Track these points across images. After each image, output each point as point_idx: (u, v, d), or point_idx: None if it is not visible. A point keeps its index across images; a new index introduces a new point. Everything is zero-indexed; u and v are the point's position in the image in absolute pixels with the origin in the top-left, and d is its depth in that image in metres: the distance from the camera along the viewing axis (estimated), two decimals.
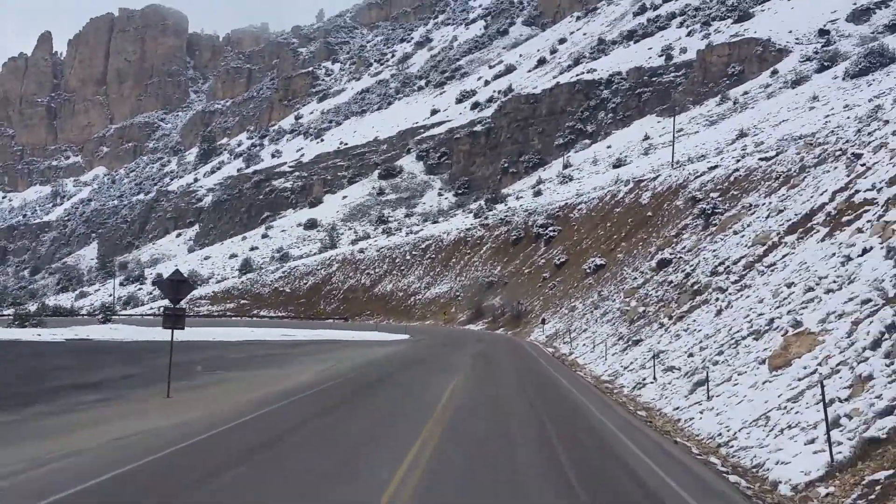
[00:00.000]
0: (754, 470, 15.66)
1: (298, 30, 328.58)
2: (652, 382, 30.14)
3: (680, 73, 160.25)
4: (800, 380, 19.28)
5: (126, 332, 66.95)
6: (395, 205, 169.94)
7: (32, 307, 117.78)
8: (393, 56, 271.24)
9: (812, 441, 15.51)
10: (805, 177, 49.14)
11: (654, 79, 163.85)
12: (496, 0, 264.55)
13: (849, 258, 26.46)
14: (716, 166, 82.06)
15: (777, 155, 66.88)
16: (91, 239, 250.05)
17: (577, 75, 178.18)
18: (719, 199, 67.56)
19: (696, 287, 43.62)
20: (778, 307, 27.88)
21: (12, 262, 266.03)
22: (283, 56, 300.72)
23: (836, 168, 44.02)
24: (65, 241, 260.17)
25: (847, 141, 50.04)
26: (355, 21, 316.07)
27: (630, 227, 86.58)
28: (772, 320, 26.75)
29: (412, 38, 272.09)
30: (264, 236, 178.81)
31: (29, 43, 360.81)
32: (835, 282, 25.21)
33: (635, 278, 64.32)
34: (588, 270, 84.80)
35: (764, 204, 51.73)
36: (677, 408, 23.82)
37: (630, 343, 43.35)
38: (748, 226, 48.58)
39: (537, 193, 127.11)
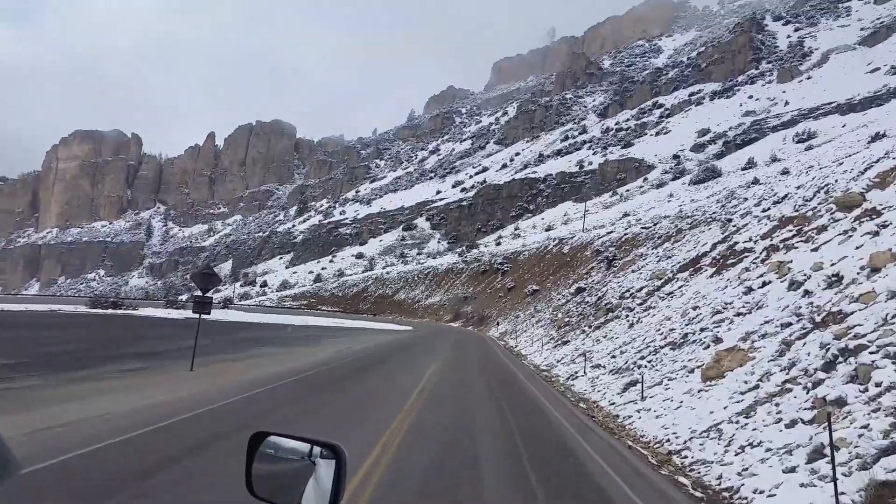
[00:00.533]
0: (727, 494, 8.77)
1: (361, 139, 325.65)
2: (582, 376, 23.25)
3: (587, 177, 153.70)
4: (742, 393, 12.33)
5: (230, 315, 59.21)
6: (411, 247, 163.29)
7: (184, 297, 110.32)
8: (416, 158, 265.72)
9: (793, 470, 8.57)
10: (685, 235, 42.39)
11: (571, 179, 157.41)
12: (479, 128, 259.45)
13: (750, 289, 19.57)
14: (611, 231, 75.59)
15: (655, 225, 60.39)
16: (228, 258, 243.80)
17: (525, 175, 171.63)
18: (616, 251, 60.99)
19: (608, 306, 36.72)
20: (688, 324, 20.98)
21: (181, 269, 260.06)
22: (350, 154, 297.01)
23: (710, 229, 37.35)
24: (213, 259, 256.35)
25: (714, 213, 43.44)
26: (395, 136, 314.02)
27: (556, 266, 79.66)
28: (685, 335, 19.85)
29: (428, 148, 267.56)
30: (330, 261, 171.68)
31: (201, 137, 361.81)
32: (743, 307, 18.29)
33: (560, 299, 57.26)
34: (527, 293, 77.83)
35: (653, 253, 44.93)
36: (613, 403, 16.90)
37: (560, 343, 36.41)
38: (643, 267, 41.72)
39: (498, 244, 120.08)
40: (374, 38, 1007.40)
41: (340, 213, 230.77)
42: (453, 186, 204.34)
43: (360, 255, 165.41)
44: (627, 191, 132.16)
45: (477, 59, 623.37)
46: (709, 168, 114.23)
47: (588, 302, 43.28)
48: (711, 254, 28.85)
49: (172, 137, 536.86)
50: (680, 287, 27.57)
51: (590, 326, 34.29)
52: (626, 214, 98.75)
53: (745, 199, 40.97)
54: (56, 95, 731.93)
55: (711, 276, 25.41)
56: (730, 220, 33.32)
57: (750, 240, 25.68)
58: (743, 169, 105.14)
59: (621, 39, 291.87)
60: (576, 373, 24.16)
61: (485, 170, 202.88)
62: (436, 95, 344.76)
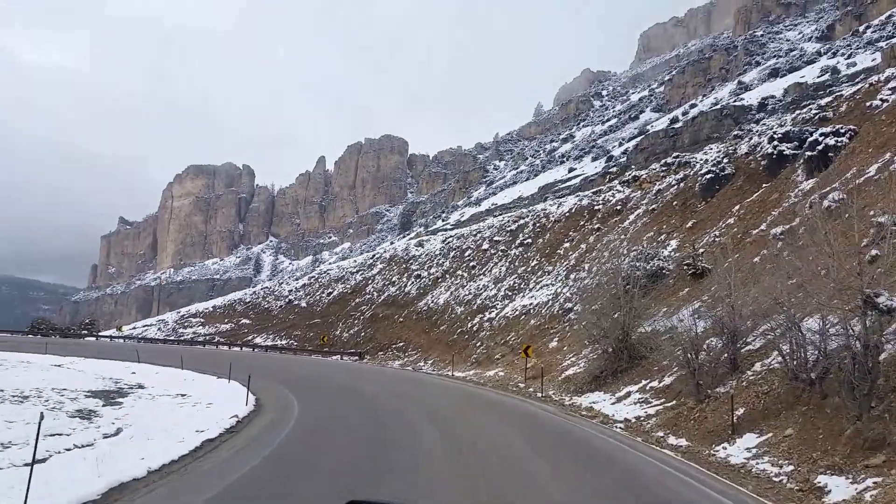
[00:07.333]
0: None
1: (480, 144, 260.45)
2: None
3: (857, 80, 72.58)
4: None
5: None
6: None
7: None
8: (543, 151, 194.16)
9: None
10: None
11: (820, 92, 76.08)
12: (627, 105, 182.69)
13: None
14: None
15: None
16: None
17: (723, 105, 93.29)
18: None
19: None
20: None
21: None
22: (465, 161, 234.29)
23: None
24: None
25: None
26: (519, 136, 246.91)
27: None
28: None
29: (559, 138, 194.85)
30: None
31: (310, 164, 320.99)
32: None
33: None
34: None
35: None
36: None
37: None
38: None
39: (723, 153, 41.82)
40: (489, 28, 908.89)
41: (442, 222, 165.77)
42: (594, 160, 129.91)
43: None
44: None
45: (618, 35, 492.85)
46: None
47: None
48: None
49: (285, 166, 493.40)
50: None
51: None
52: None
53: None
54: (174, 137, 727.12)
55: None
56: None
57: None
58: None
59: None
60: None
61: (642, 133, 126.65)
62: (568, 84, 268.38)
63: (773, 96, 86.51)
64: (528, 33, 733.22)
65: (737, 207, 22.05)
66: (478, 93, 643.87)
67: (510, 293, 30.95)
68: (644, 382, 15.08)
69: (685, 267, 19.52)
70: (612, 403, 14.97)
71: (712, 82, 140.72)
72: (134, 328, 60.45)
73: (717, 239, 20.71)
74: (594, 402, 15.44)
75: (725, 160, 25.26)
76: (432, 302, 36.50)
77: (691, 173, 27.66)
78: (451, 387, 21.26)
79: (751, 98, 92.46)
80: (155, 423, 13.60)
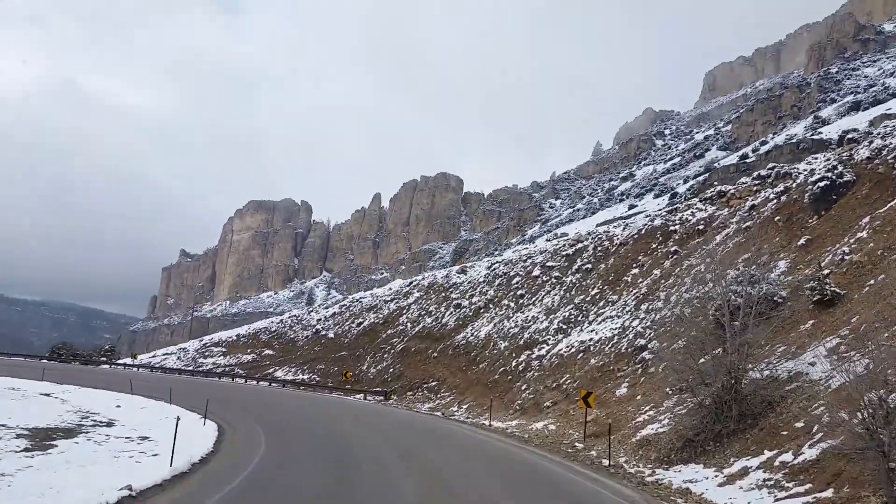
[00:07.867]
0: None
1: (536, 184, 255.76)
2: None
3: None
4: None
5: None
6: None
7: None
8: (602, 189, 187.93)
9: None
10: None
11: None
12: (692, 144, 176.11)
13: None
14: None
15: None
16: None
17: (798, 138, 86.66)
18: None
19: None
20: None
21: None
22: (521, 199, 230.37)
23: None
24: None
25: None
26: (577, 174, 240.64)
27: None
28: None
29: (619, 177, 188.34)
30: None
31: (366, 200, 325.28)
32: None
33: None
34: None
35: None
36: None
37: None
38: None
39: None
40: (550, 66, 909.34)
41: (497, 257, 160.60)
42: (656, 197, 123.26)
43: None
44: None
45: (682, 75, 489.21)
46: None
47: None
48: None
49: (343, 201, 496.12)
50: None
51: None
52: None
53: None
54: (236, 172, 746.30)
55: None
56: None
57: None
58: None
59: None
60: None
61: (708, 171, 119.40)
62: (629, 123, 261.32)
63: (855, 129, 79.33)
64: (589, 73, 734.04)
65: (866, 220, 16.76)
66: (536, 131, 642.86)
67: (565, 326, 25.56)
68: (769, 454, 9.93)
69: (808, 292, 14.32)
70: (721, 485, 9.88)
71: (783, 120, 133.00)
72: (154, 356, 57.26)
73: (846, 257, 15.48)
74: (691, 482, 10.36)
75: (840, 167, 20.03)
76: (472, 335, 31.31)
77: (794, 185, 22.36)
78: (484, 445, 16.33)
79: (830, 132, 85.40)
80: (33, 487, 9.31)
